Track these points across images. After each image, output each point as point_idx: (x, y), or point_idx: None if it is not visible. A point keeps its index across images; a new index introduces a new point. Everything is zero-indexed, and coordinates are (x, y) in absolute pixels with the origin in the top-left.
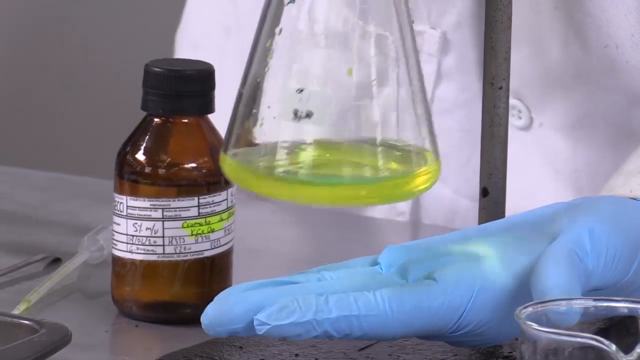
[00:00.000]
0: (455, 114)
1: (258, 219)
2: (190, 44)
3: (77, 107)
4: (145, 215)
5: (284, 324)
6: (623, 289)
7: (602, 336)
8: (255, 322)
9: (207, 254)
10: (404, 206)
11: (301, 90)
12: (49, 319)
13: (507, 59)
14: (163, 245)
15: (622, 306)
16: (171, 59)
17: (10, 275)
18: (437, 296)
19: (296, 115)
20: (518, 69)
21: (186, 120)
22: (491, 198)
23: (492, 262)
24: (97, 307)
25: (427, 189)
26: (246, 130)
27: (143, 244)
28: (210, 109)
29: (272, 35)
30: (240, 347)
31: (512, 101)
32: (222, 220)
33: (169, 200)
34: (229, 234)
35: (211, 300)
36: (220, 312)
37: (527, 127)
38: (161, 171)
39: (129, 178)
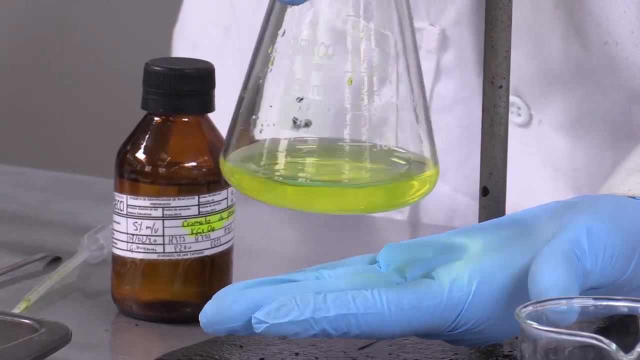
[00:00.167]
0: (454, 111)
1: (258, 218)
2: (189, 44)
3: (77, 106)
4: (145, 214)
5: (282, 322)
6: (621, 288)
7: (602, 335)
8: (253, 321)
9: (207, 252)
10: None
11: (301, 99)
12: (49, 318)
13: (507, 58)
14: (163, 244)
15: (622, 305)
16: (171, 58)
17: (10, 274)
18: (435, 295)
19: (295, 124)
20: (518, 67)
21: (186, 119)
22: (491, 197)
23: (490, 260)
24: (97, 306)
25: (425, 194)
26: (246, 135)
27: (143, 243)
28: (211, 108)
29: (273, 41)
30: (241, 346)
31: (512, 98)
32: (222, 219)
33: (169, 199)
34: (229, 233)
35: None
36: (219, 310)
37: (526, 124)
38: (161, 170)
39: (129, 177)
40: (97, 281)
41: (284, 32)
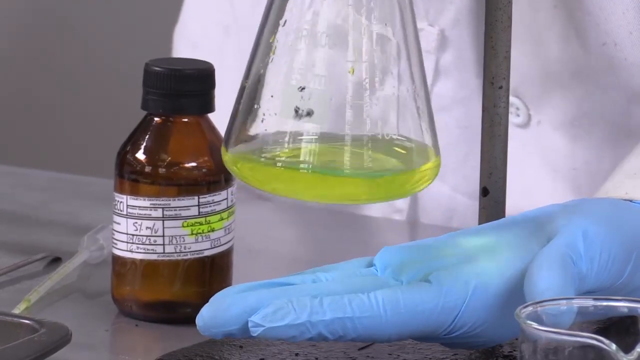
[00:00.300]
0: (453, 111)
1: (258, 219)
2: (189, 44)
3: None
4: (145, 214)
5: (278, 325)
6: (618, 291)
7: (602, 335)
8: (249, 324)
9: (207, 253)
10: (402, 204)
11: (303, 89)
12: (49, 319)
13: (507, 59)
14: (163, 244)
15: (622, 305)
16: (171, 58)
17: (10, 275)
18: (432, 298)
19: (297, 113)
20: (517, 67)
21: (186, 120)
22: (491, 197)
23: (486, 264)
24: (97, 307)
25: (427, 185)
26: (248, 124)
27: (143, 243)
28: (211, 108)
29: (275, 30)
30: (241, 347)
31: (511, 99)
32: (222, 219)
33: (169, 200)
34: (229, 233)
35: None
36: (216, 313)
37: (525, 125)
38: (161, 170)
39: (129, 177)
40: (97, 281)
41: (285, 21)
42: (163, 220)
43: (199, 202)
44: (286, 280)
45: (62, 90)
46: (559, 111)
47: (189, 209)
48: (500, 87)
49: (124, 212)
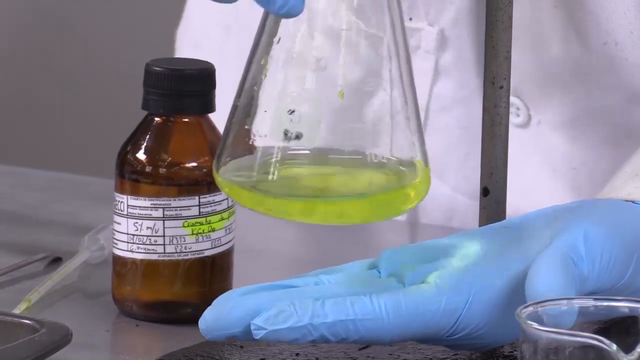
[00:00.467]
0: (453, 111)
1: (258, 219)
2: (190, 44)
3: (77, 106)
4: (145, 214)
5: (280, 328)
6: (619, 293)
7: (602, 335)
8: (252, 327)
9: (207, 253)
10: None
11: (292, 112)
12: (50, 319)
13: (508, 59)
14: (164, 244)
15: (622, 306)
16: (172, 58)
17: (11, 275)
18: (434, 300)
19: (286, 136)
20: (517, 67)
21: (187, 120)
22: (492, 197)
23: (488, 266)
24: (98, 307)
25: (421, 199)
26: (238, 145)
27: (144, 243)
28: (211, 109)
29: (267, 49)
30: (241, 347)
31: (511, 99)
32: (222, 219)
33: (170, 200)
34: (229, 233)
35: (212, 299)
36: (218, 316)
37: (525, 125)
38: (162, 170)
39: (130, 177)
40: (97, 281)
41: (278, 41)
42: (163, 220)
43: (199, 202)
44: (288, 282)
45: (62, 90)
46: (559, 111)
47: (189, 209)
48: (501, 87)
49: (125, 212)
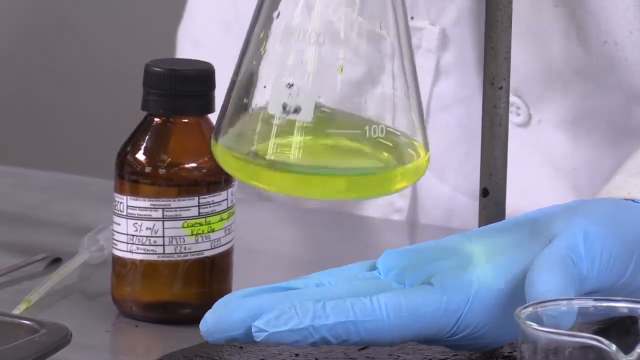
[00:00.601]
0: (453, 110)
1: (258, 219)
2: (191, 42)
3: (77, 107)
4: (145, 215)
5: (281, 330)
6: (619, 292)
7: (602, 336)
8: (253, 329)
9: (207, 253)
10: (402, 203)
11: (291, 85)
12: (49, 319)
13: (508, 59)
14: (163, 245)
15: (622, 306)
16: (172, 59)
17: (11, 275)
18: (434, 301)
19: (285, 110)
20: (517, 66)
21: (186, 120)
22: (492, 198)
23: (488, 266)
24: (97, 307)
25: (417, 179)
26: (237, 118)
27: (143, 244)
28: (211, 109)
29: (267, 24)
30: (241, 347)
31: (511, 98)
32: (222, 220)
33: (169, 200)
34: (229, 233)
35: (211, 300)
36: (219, 319)
37: (526, 124)
38: (161, 171)
39: (130, 178)
40: (97, 282)
41: (277, 16)
42: (163, 221)
43: (199, 202)
44: (289, 284)
45: (62, 90)
46: (559, 110)
47: (189, 210)
48: (501, 88)
49: (124, 213)
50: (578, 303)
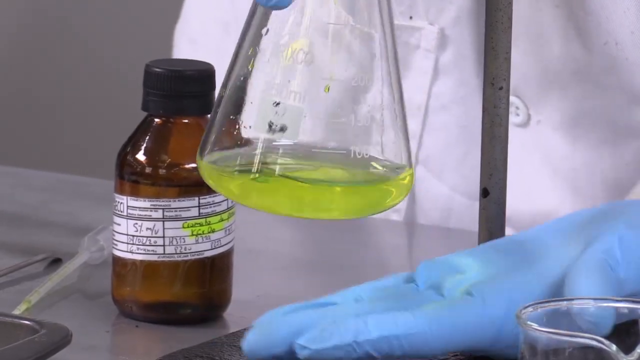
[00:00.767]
0: (452, 110)
1: (258, 219)
2: (188, 41)
3: (77, 107)
4: (145, 215)
5: (325, 347)
6: None
7: (602, 336)
8: (296, 347)
9: (207, 254)
10: (400, 204)
11: (277, 104)
12: (49, 320)
13: (508, 59)
14: (163, 245)
15: (622, 306)
16: (172, 59)
17: (11, 276)
18: (475, 311)
19: (271, 128)
20: (517, 66)
21: (186, 121)
22: (491, 198)
23: (526, 273)
24: (98, 308)
25: (403, 198)
26: (223, 135)
27: (143, 244)
28: (211, 109)
29: (255, 40)
30: (241, 347)
31: (510, 98)
32: (222, 220)
33: (170, 201)
34: (229, 234)
35: (212, 300)
36: (262, 336)
37: (525, 124)
38: (162, 171)
39: (130, 178)
40: (97, 282)
41: (266, 33)
42: (163, 221)
43: (199, 203)
44: (328, 300)
45: (62, 90)
46: (559, 111)
47: (189, 210)
48: (501, 88)
49: (124, 213)
50: (577, 303)
